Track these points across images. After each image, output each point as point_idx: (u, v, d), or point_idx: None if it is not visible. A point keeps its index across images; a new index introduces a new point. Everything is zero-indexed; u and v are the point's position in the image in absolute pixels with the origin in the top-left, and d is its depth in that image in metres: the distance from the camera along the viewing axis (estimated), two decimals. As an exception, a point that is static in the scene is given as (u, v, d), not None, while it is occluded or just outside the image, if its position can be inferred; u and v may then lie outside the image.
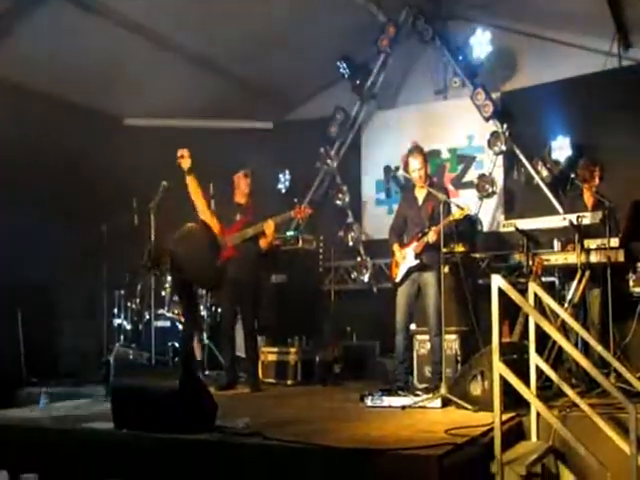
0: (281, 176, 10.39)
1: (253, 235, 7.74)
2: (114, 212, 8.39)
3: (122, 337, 8.74)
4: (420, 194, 7.27)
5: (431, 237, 6.90)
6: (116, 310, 8.88)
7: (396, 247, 7.30)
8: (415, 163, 7.18)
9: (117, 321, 8.84)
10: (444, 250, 6.72)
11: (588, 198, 7.41)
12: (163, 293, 8.89)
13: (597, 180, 7.38)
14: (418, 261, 7.06)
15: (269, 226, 7.63)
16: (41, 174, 8.52)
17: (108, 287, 8.59)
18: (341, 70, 10.02)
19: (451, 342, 7.53)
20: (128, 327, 8.86)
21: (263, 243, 7.78)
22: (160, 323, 8.41)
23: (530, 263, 6.86)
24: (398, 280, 7.23)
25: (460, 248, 7.96)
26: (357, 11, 9.22)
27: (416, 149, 7.35)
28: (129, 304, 8.97)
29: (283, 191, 10.33)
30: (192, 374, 5.40)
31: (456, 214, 6.79)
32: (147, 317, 8.49)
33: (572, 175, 7.42)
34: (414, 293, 7.19)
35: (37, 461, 4.86)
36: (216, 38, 8.68)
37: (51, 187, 8.65)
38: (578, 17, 8.52)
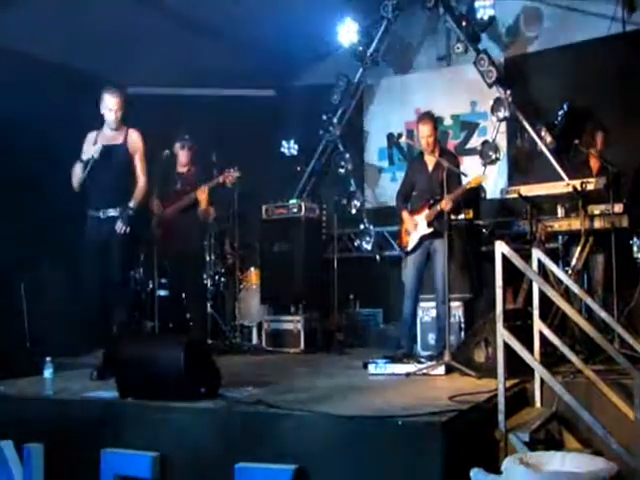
0: (285, 143, 10.32)
1: (188, 205, 7.75)
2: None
3: (125, 306, 8.71)
4: (430, 161, 7.16)
5: (445, 205, 6.70)
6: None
7: (405, 214, 7.22)
8: (425, 130, 7.06)
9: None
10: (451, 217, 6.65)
11: (594, 164, 7.37)
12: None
13: (601, 145, 7.33)
14: (432, 229, 6.98)
15: (201, 193, 7.63)
16: (51, 143, 8.45)
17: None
18: (342, 36, 9.91)
19: (455, 309, 7.44)
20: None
21: (201, 212, 7.82)
22: (163, 292, 8.39)
23: (534, 230, 6.83)
24: (410, 248, 7.14)
25: (469, 215, 7.89)
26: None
27: (426, 115, 7.22)
28: (132, 273, 8.95)
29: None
30: (196, 342, 5.39)
31: (472, 182, 6.72)
32: (150, 286, 8.47)
33: (576, 141, 7.36)
34: (424, 260, 7.11)
35: (42, 431, 4.89)
36: (216, 2, 8.58)
37: (56, 157, 8.57)
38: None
